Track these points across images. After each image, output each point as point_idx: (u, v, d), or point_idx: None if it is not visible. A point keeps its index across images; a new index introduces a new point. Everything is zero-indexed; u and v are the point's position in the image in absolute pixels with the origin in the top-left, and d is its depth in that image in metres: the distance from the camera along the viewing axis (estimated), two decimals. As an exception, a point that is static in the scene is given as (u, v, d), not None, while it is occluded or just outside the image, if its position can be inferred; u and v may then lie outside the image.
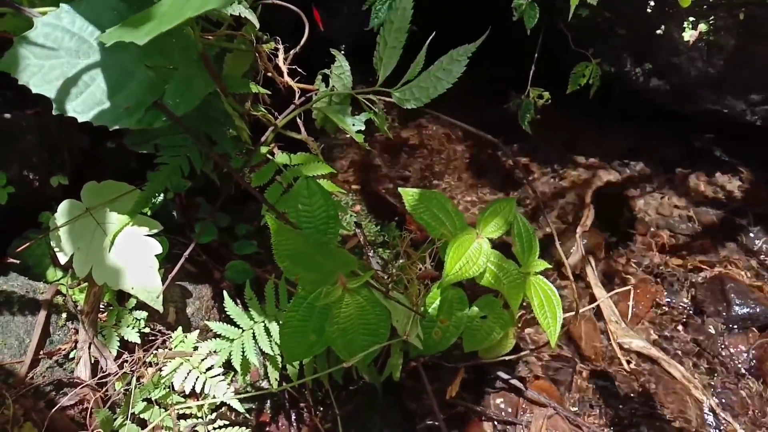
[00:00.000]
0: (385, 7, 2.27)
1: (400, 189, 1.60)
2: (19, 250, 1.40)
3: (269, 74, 1.51)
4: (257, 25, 1.27)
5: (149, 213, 1.62)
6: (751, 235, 2.33)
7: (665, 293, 2.19)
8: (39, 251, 1.49)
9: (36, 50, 1.08)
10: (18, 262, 1.40)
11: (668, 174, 2.66)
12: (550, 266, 1.60)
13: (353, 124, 1.48)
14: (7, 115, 1.36)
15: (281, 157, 1.52)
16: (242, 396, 1.51)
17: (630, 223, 2.48)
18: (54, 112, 1.07)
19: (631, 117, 2.84)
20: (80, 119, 1.09)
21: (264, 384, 1.57)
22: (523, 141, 2.85)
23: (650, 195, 2.58)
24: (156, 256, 1.40)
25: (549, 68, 2.50)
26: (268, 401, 1.78)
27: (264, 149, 1.51)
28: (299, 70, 1.55)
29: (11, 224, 1.43)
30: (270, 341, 1.41)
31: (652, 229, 2.43)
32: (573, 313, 1.63)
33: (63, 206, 1.39)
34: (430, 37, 1.46)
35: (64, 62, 1.10)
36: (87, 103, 1.10)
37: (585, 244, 2.35)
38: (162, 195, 1.61)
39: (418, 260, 1.56)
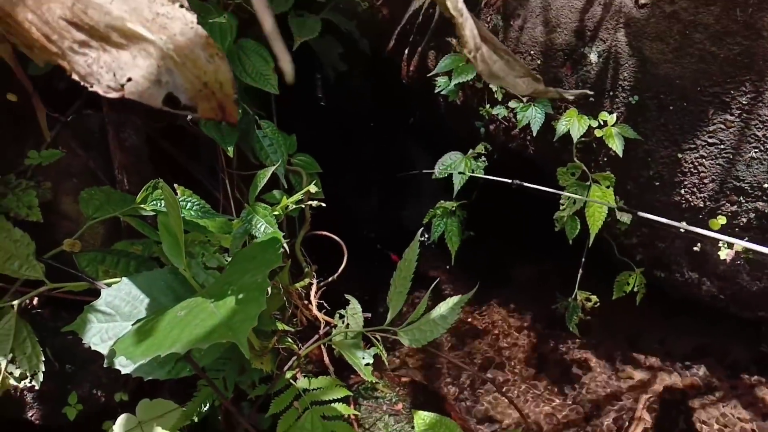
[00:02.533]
0: (443, 222, 2.55)
1: (413, 411, 1.75)
2: (84, 456, 1.69)
3: (299, 309, 1.77)
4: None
5: (197, 419, 1.89)
6: (822, 463, 2.16)
7: None
8: (106, 454, 1.78)
9: (99, 315, 1.41)
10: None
11: (733, 381, 2.55)
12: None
13: (363, 357, 1.68)
14: (86, 345, 1.72)
15: (302, 382, 1.74)
16: None
17: (686, 435, 2.38)
18: (104, 365, 1.38)
19: (696, 313, 2.78)
20: (123, 371, 1.38)
21: None
22: (586, 334, 2.87)
23: (713, 404, 2.47)
24: (186, 470, 1.64)
25: (603, 266, 2.58)
26: None
27: (289, 374, 1.75)
28: (325, 304, 1.81)
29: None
30: None
31: (710, 446, 2.32)
32: None
33: (120, 420, 1.68)
34: (433, 284, 1.68)
35: (118, 325, 1.41)
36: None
37: (632, 459, 2.29)
38: (208, 404, 1.88)
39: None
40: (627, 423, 2.48)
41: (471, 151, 2.45)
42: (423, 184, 3.73)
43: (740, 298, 2.36)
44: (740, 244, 1.86)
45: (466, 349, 3.00)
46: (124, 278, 1.44)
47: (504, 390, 2.78)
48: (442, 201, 2.59)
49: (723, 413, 2.43)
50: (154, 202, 1.58)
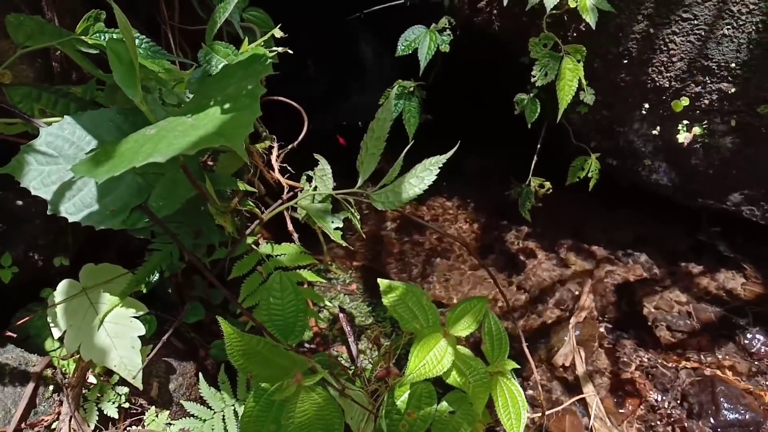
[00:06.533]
0: (400, 102, 2.43)
1: (379, 280, 1.68)
2: (19, 323, 1.53)
3: (258, 172, 1.63)
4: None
5: (145, 291, 1.75)
6: (749, 336, 2.30)
7: (655, 391, 2.17)
8: (40, 322, 1.62)
9: (38, 157, 1.23)
10: (15, 335, 1.53)
11: (672, 267, 2.66)
12: (517, 366, 1.63)
13: (332, 222, 1.58)
14: (19, 202, 1.52)
15: (265, 248, 1.63)
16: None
17: (627, 316, 2.48)
18: (48, 212, 1.21)
19: (640, 204, 2.86)
20: (70, 219, 1.22)
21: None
22: (532, 224, 2.89)
23: (651, 288, 2.58)
24: (139, 336, 1.51)
25: (555, 155, 2.58)
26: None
27: (250, 239, 1.63)
28: (288, 168, 1.68)
29: (15, 298, 1.57)
30: (237, 425, 1.49)
31: (648, 324, 2.42)
32: (540, 413, 1.65)
33: (62, 285, 1.52)
34: (407, 147, 1.57)
35: (62, 168, 1.23)
36: (77, 206, 1.23)
37: (578, 335, 2.36)
38: (158, 275, 1.74)
39: (384, 356, 1.62)
40: (571, 306, 2.55)
41: (434, 25, 2.31)
42: (372, 74, 3.58)
43: (690, 185, 2.42)
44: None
45: (412, 240, 2.97)
46: (66, 116, 1.25)
47: (447, 278, 2.78)
48: (399, 80, 2.45)
49: (662, 297, 2.54)
50: (97, 34, 1.36)
